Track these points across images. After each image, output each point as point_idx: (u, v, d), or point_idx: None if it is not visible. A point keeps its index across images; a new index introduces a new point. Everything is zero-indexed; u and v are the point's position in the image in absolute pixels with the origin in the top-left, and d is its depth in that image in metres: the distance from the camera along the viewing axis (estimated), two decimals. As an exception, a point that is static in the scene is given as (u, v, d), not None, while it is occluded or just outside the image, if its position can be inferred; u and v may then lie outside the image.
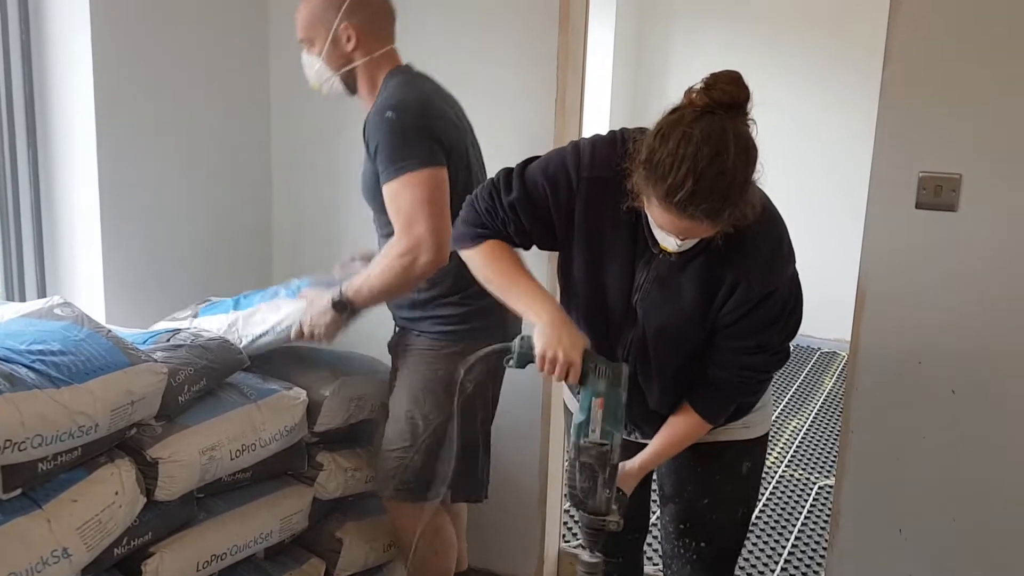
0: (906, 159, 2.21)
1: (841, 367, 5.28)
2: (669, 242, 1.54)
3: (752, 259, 1.58)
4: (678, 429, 1.75)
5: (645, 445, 1.85)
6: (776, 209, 1.66)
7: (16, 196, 2.35)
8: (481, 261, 1.73)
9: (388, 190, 1.95)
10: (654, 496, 2.09)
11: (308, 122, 2.92)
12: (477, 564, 2.93)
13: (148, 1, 2.45)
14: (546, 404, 2.79)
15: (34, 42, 2.32)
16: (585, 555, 1.69)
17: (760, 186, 1.55)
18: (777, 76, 5.39)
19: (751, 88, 1.47)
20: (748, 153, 1.43)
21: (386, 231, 2.04)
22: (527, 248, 1.78)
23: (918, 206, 2.21)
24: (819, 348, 5.59)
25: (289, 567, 2.26)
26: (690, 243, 1.55)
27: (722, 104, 1.43)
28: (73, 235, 2.40)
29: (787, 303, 1.65)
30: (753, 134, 1.47)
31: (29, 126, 2.34)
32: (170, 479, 1.86)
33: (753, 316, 1.62)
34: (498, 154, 2.10)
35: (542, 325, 1.62)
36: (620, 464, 1.68)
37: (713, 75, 1.46)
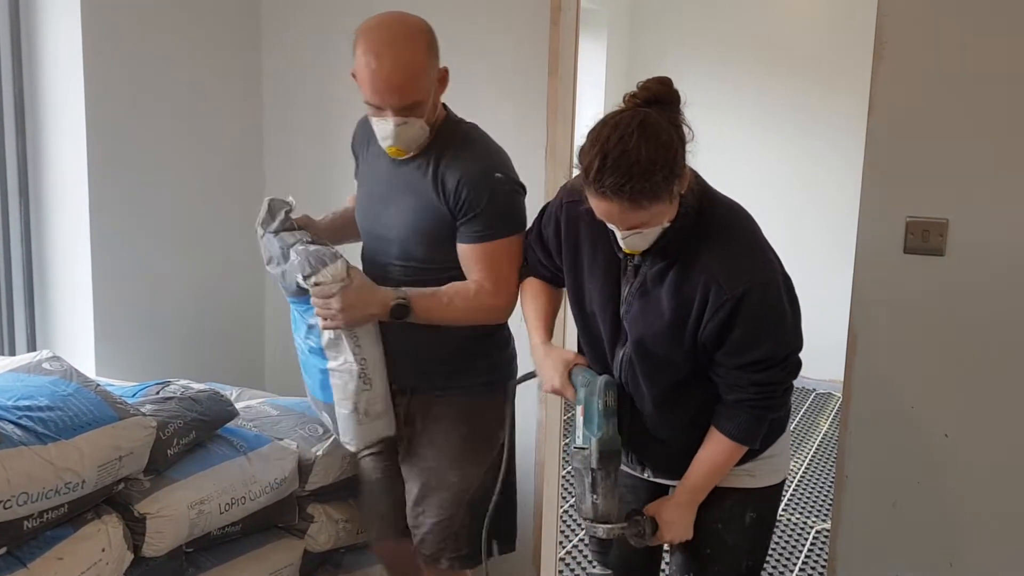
0: (893, 204, 2.23)
1: (836, 408, 5.26)
2: (620, 238, 1.64)
3: (717, 262, 1.63)
4: (714, 452, 1.73)
5: (660, 484, 1.85)
6: (747, 220, 1.70)
7: (7, 249, 2.36)
8: (520, 292, 1.98)
9: (486, 249, 1.91)
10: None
11: (301, 151, 2.95)
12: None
13: (140, 21, 2.48)
14: (539, 461, 2.77)
15: (27, 87, 2.34)
16: (596, 569, 1.76)
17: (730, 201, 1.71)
18: (765, 122, 5.47)
19: (682, 91, 1.61)
20: (657, 138, 1.52)
21: (433, 272, 1.96)
22: (560, 284, 1.93)
23: (906, 251, 2.23)
24: (814, 390, 5.57)
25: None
26: (640, 241, 1.63)
27: (647, 100, 1.58)
28: (64, 288, 2.41)
29: (770, 307, 1.64)
30: (686, 131, 1.59)
31: (21, 182, 2.35)
32: (158, 534, 1.83)
33: (739, 327, 1.62)
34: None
35: (533, 354, 1.90)
36: (662, 500, 1.79)
37: (645, 79, 1.61)
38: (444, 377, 2.04)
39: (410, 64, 1.77)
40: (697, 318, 1.64)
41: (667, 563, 2.04)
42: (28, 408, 1.69)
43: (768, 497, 1.87)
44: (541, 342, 1.88)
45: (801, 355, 1.73)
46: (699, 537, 1.86)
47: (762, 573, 3.39)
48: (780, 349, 1.67)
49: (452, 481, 2.04)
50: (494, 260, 1.92)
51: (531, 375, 1.94)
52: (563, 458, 3.02)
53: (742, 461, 1.80)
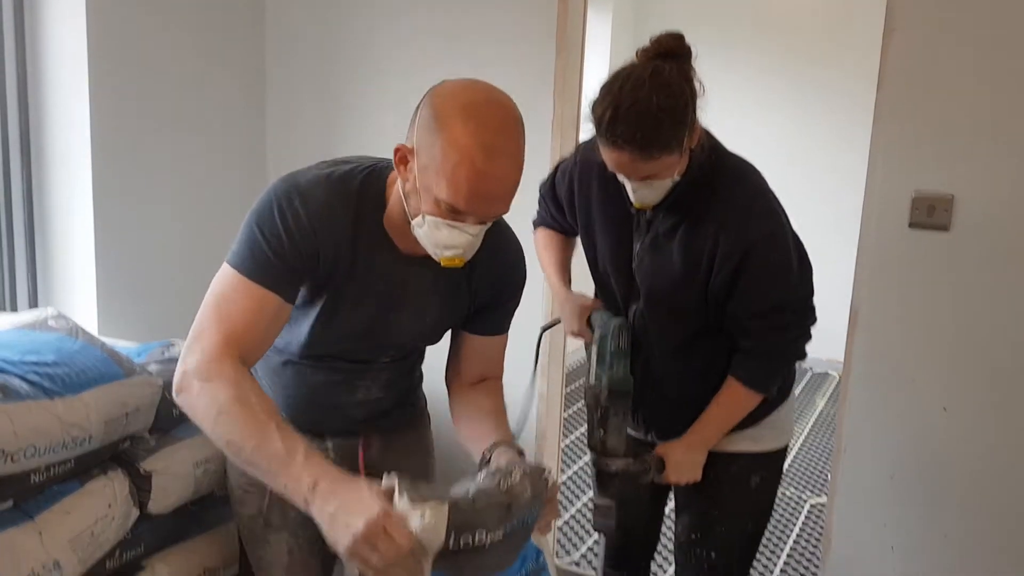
0: (899, 180, 2.23)
1: (833, 388, 5.29)
2: (630, 191, 1.66)
3: (726, 215, 1.66)
4: (728, 399, 1.76)
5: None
6: (756, 175, 1.72)
7: (8, 206, 2.35)
8: (534, 242, 2.00)
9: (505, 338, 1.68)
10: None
11: (304, 131, 2.94)
12: None
13: (144, 13, 2.46)
14: (541, 432, 2.79)
15: (29, 48, 2.33)
16: (598, 499, 1.80)
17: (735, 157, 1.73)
18: (771, 101, 5.46)
19: (694, 46, 1.62)
20: (668, 88, 1.54)
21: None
22: (571, 234, 1.99)
23: (911, 225, 2.23)
24: (811, 369, 5.60)
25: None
26: (651, 194, 1.65)
27: (659, 54, 1.58)
28: (66, 247, 2.40)
29: (777, 257, 1.67)
30: (696, 84, 1.60)
31: (23, 138, 2.34)
32: (163, 492, 1.84)
33: (747, 278, 1.65)
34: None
35: (555, 299, 1.97)
36: (674, 442, 1.81)
37: (658, 34, 1.61)
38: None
39: (520, 160, 1.35)
40: (707, 270, 1.67)
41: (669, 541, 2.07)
42: (35, 363, 1.69)
43: (773, 461, 1.90)
44: (561, 288, 1.94)
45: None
46: (706, 500, 1.89)
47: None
48: (789, 297, 1.70)
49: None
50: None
51: (557, 321, 2.00)
52: (562, 430, 3.05)
53: (747, 425, 1.82)
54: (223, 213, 2.75)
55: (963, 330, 2.24)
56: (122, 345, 2.05)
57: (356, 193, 1.44)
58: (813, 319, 1.74)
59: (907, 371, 2.31)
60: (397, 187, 1.41)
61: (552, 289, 1.98)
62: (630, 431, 1.97)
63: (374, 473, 1.67)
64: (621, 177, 1.66)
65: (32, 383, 1.64)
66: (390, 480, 1.27)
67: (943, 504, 2.32)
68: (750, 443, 1.85)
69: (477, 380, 1.66)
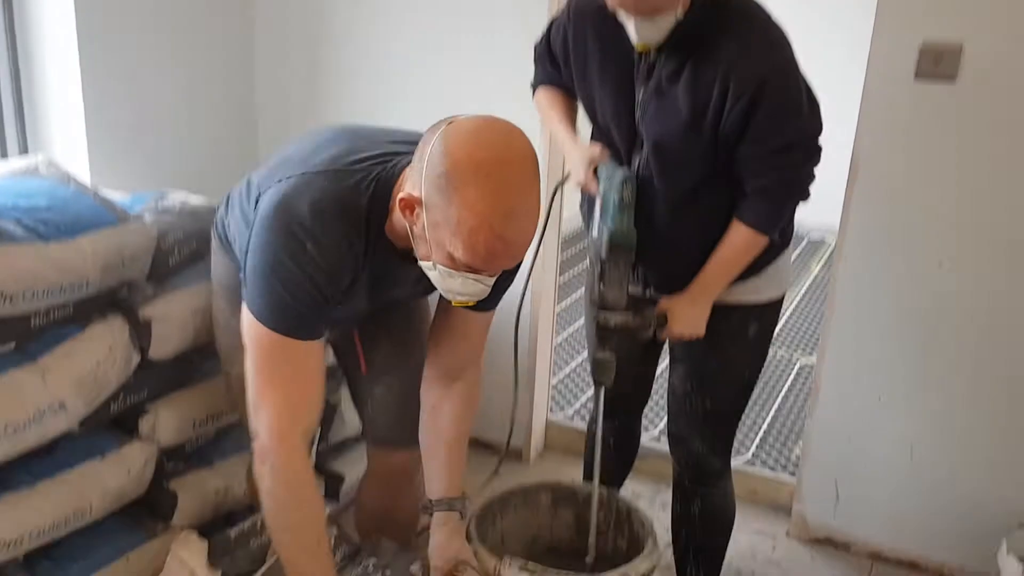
0: (907, 28, 2.17)
1: (829, 254, 5.31)
2: (632, 31, 1.61)
3: (734, 53, 1.61)
4: (734, 244, 1.75)
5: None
6: (761, 10, 1.66)
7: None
8: (536, 104, 1.97)
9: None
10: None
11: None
12: (480, 437, 3.00)
13: None
14: (537, 284, 2.81)
15: None
16: (598, 353, 1.81)
17: None
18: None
19: None
20: None
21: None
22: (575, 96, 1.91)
23: (917, 76, 2.18)
24: (807, 235, 5.61)
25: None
26: (654, 31, 1.60)
27: None
28: (54, 95, 2.34)
29: (788, 93, 1.64)
30: None
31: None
32: (163, 339, 1.87)
33: (761, 113, 1.61)
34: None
35: (562, 150, 1.90)
36: (677, 296, 1.81)
37: None
38: None
39: (538, 209, 1.33)
40: (716, 111, 1.63)
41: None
42: (27, 208, 1.68)
43: (771, 311, 1.92)
44: (568, 138, 1.88)
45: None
46: (703, 350, 1.91)
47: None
48: (800, 134, 1.67)
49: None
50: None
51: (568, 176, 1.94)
52: (557, 294, 3.07)
53: (747, 276, 1.83)
54: (215, 60, 2.68)
55: (964, 183, 2.22)
56: (114, 196, 2.04)
57: (365, 218, 1.41)
58: (820, 159, 1.71)
59: (905, 225, 2.31)
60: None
61: (558, 141, 1.94)
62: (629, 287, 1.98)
63: (364, 338, 1.79)
64: (622, 17, 1.61)
65: (26, 227, 1.64)
66: None
67: (933, 358, 2.36)
68: (751, 294, 1.86)
69: (454, 369, 1.69)
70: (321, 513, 1.48)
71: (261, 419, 1.42)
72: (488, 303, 1.56)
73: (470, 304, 1.41)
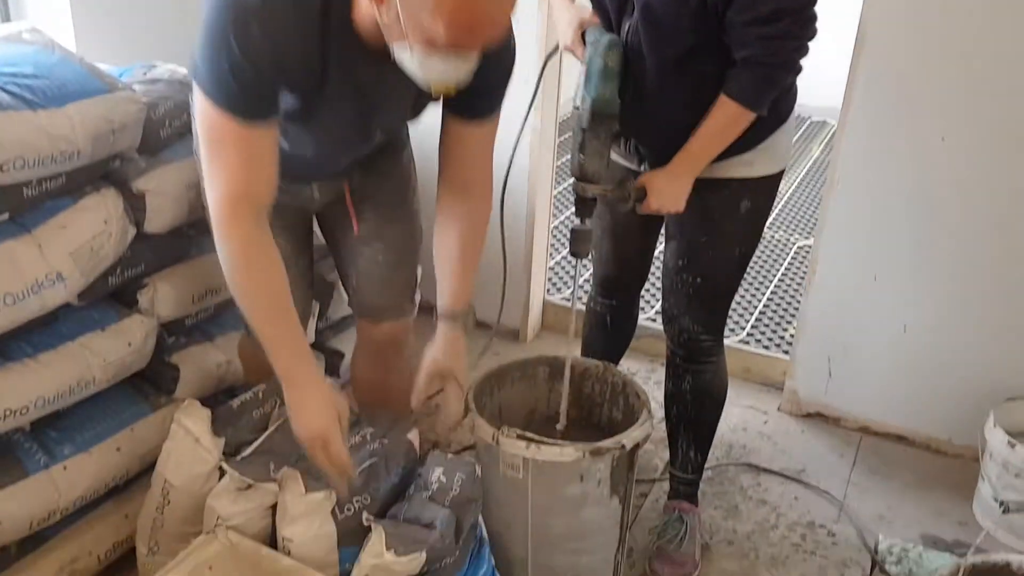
0: None
1: (830, 136, 5.25)
2: None
3: None
4: (717, 117, 1.71)
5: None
6: None
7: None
8: None
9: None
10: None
11: None
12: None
13: None
14: (534, 166, 2.78)
15: None
16: (576, 224, 1.79)
17: None
18: None
19: None
20: None
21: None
22: None
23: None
24: (809, 117, 5.53)
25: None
26: None
27: None
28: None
29: None
30: None
31: None
32: (158, 212, 1.85)
33: None
34: None
35: (551, 12, 1.84)
36: (657, 170, 1.77)
37: None
38: None
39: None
40: None
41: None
42: (13, 75, 1.63)
43: (765, 187, 1.88)
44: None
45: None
46: (694, 225, 1.90)
47: (743, 282, 3.55)
48: (790, 1, 1.60)
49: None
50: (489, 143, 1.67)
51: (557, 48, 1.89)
52: (555, 177, 3.04)
53: (741, 150, 1.80)
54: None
55: (972, 54, 2.16)
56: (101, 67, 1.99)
57: (320, 8, 1.34)
58: (813, 31, 1.65)
59: (909, 99, 2.27)
60: None
61: (552, 2, 1.88)
62: (622, 161, 1.95)
63: (355, 199, 1.76)
64: None
65: (13, 94, 1.60)
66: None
67: (930, 236, 2.36)
68: (744, 168, 1.83)
69: (461, 186, 1.66)
70: (281, 278, 1.48)
71: (212, 192, 1.42)
72: (482, 107, 1.56)
73: (451, 90, 1.35)
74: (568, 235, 1.82)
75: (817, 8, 1.64)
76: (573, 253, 1.83)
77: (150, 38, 2.30)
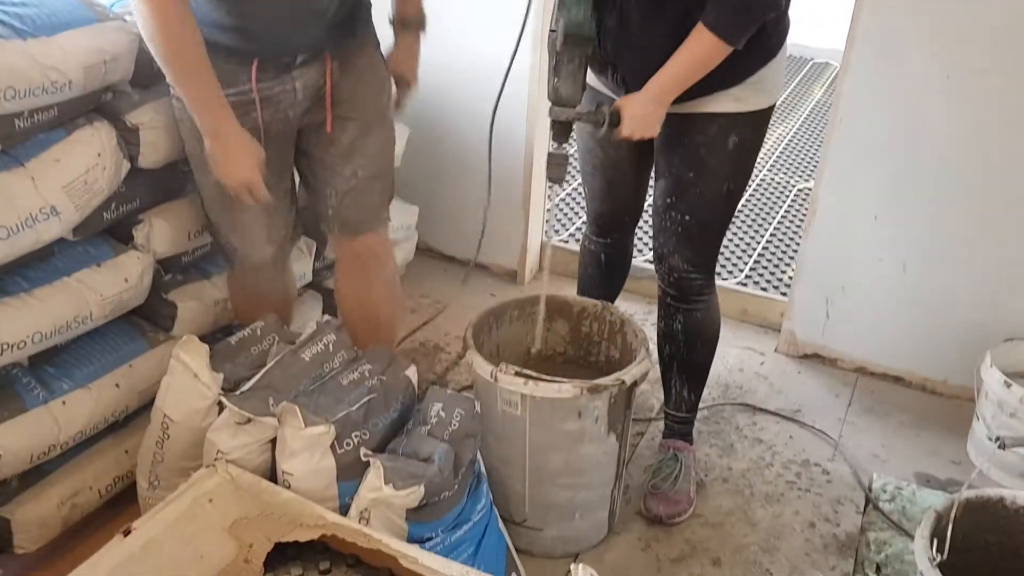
0: None
1: (832, 78, 5.18)
2: None
3: None
4: (692, 47, 1.68)
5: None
6: None
7: None
8: None
9: None
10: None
11: None
12: (466, 257, 3.03)
13: None
14: (532, 107, 2.74)
15: None
16: (552, 147, 1.78)
17: None
18: None
19: None
20: None
21: None
22: None
23: None
24: (811, 59, 5.46)
25: (279, 245, 2.30)
26: None
27: None
28: None
29: None
30: None
31: None
32: (152, 145, 1.82)
33: None
34: None
35: None
36: (638, 93, 1.74)
37: None
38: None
39: None
40: None
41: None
42: (2, 3, 1.60)
43: (753, 122, 1.86)
44: None
45: (798, 23, 1.63)
46: (682, 161, 1.88)
47: (741, 225, 3.53)
48: None
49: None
50: None
51: None
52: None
53: (730, 84, 1.77)
54: None
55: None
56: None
57: None
58: None
59: (914, 36, 2.23)
60: None
61: None
62: (607, 92, 1.92)
63: (334, 101, 1.82)
64: None
65: (2, 23, 1.56)
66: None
67: (931, 175, 2.34)
68: (732, 103, 1.80)
69: None
70: (198, 40, 1.57)
71: None
72: None
73: None
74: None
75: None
76: (549, 178, 1.82)
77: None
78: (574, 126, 1.79)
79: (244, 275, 2.02)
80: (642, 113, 1.74)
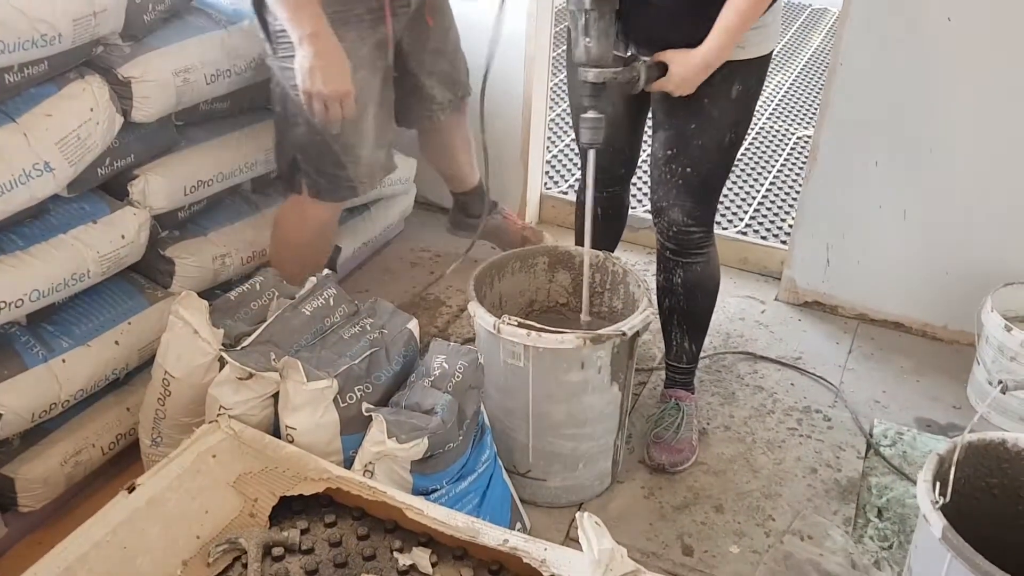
0: None
1: (832, 23, 5.12)
2: None
3: None
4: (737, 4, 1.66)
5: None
6: None
7: None
8: None
9: None
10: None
11: None
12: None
13: None
14: (529, 57, 2.70)
15: None
16: (588, 113, 1.75)
17: None
18: None
19: None
20: None
21: None
22: None
23: None
24: (810, 5, 5.39)
25: (277, 201, 2.28)
26: None
27: None
28: None
29: None
30: None
31: None
32: (145, 99, 1.80)
33: None
34: None
35: None
36: (683, 52, 1.73)
37: None
38: None
39: None
40: None
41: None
42: (-14, -46, 1.56)
43: (755, 68, 1.84)
44: None
45: None
46: (685, 112, 1.85)
47: (740, 173, 3.51)
48: None
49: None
50: None
51: None
52: (551, 68, 2.96)
53: None
54: None
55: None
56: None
57: None
58: None
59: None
60: None
61: None
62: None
63: None
64: None
65: (-14, -25, 1.53)
66: None
67: (932, 120, 2.31)
68: (736, 50, 1.76)
69: None
70: None
71: None
72: None
73: None
74: (579, 124, 1.77)
75: None
76: (586, 143, 1.77)
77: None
78: (604, 80, 1.73)
79: (323, 214, 2.09)
80: (693, 74, 1.73)
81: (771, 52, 1.85)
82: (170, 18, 1.94)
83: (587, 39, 1.68)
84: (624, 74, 1.74)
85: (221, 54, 1.98)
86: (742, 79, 1.82)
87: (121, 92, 1.77)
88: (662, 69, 1.76)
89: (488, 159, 2.33)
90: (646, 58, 1.79)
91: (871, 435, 2.17)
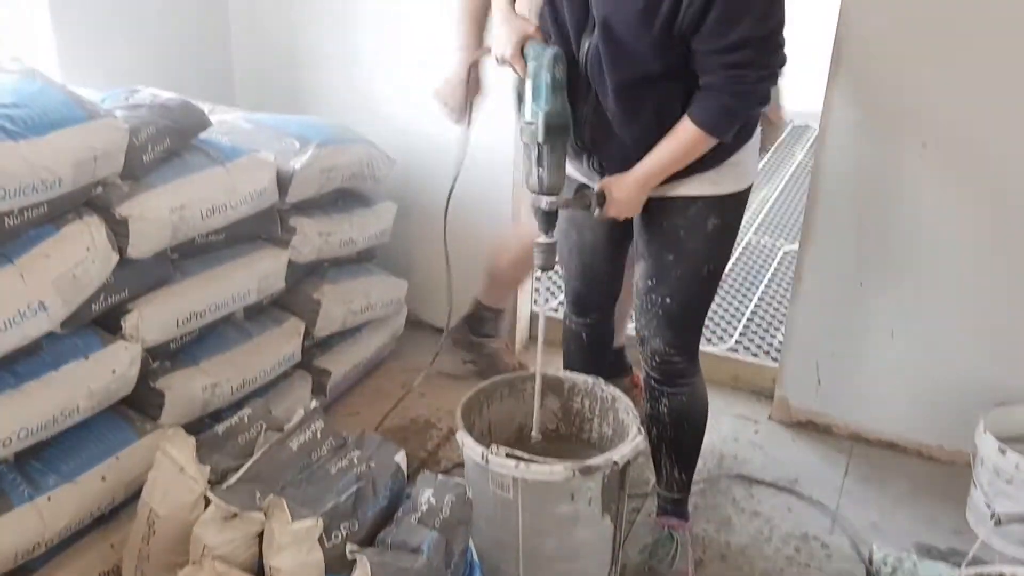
0: None
1: (813, 139, 5.26)
2: None
3: None
4: (679, 138, 1.71)
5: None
6: None
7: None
8: None
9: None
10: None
11: None
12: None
13: None
14: (520, 178, 2.77)
15: None
16: (540, 238, 1.80)
17: None
18: None
19: None
20: None
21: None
22: None
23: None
24: (791, 122, 5.55)
25: (268, 326, 2.30)
26: None
27: None
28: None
29: None
30: None
31: None
32: (141, 236, 1.84)
33: (716, 8, 1.54)
34: None
35: (494, 19, 1.83)
36: (617, 176, 1.78)
37: None
38: None
39: None
40: (672, 9, 1.55)
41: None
42: (-7, 105, 1.63)
43: (732, 204, 1.87)
44: (503, 7, 1.80)
45: (784, 52, 1.66)
46: (662, 244, 1.89)
47: (729, 289, 3.55)
48: (757, 29, 1.58)
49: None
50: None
51: (487, 51, 1.90)
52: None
53: (707, 168, 1.79)
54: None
55: (953, 59, 2.17)
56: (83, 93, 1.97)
57: None
58: (781, 59, 1.64)
59: (890, 106, 2.27)
60: None
61: (494, 7, 1.83)
62: (582, 178, 1.95)
63: None
64: None
65: (-7, 124, 1.59)
66: None
67: (915, 241, 2.36)
68: (709, 186, 1.82)
69: None
70: None
71: None
72: None
73: None
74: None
75: (785, 34, 1.63)
76: (539, 267, 1.84)
77: (134, 63, 2.29)
78: (555, 208, 1.79)
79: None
80: (627, 196, 1.77)
81: (748, 187, 1.89)
82: (169, 157, 2.00)
83: (540, 169, 1.73)
84: (575, 202, 1.80)
85: (218, 190, 2.03)
86: (718, 214, 1.85)
87: (118, 230, 1.81)
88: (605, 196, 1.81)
89: (451, 276, 2.34)
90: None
91: (871, 562, 2.12)
